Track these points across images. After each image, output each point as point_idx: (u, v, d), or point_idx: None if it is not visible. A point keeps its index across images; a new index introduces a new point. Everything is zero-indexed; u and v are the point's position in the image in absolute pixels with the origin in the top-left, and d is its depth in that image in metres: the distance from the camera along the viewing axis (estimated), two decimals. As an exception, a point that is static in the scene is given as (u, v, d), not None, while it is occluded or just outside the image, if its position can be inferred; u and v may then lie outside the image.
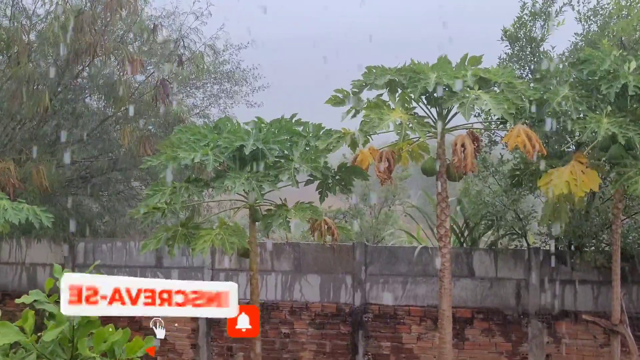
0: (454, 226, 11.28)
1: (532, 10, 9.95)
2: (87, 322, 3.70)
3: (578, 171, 6.74)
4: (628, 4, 9.73)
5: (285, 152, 6.99)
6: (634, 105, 7.19)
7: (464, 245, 11.15)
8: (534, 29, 10.15)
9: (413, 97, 6.97)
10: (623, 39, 9.67)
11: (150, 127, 11.52)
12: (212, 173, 7.22)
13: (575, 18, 10.48)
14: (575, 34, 10.53)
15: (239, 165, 6.91)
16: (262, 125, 7.22)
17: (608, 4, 10.06)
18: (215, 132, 7.04)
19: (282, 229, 6.49)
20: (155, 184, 7.02)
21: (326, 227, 7.25)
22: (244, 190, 6.82)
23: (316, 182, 7.45)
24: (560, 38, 10.91)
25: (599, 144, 6.99)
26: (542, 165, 7.07)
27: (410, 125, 6.53)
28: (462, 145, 6.77)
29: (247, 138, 6.77)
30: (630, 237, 9.33)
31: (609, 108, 7.05)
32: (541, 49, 10.30)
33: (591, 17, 10.24)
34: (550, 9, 9.97)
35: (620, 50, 7.74)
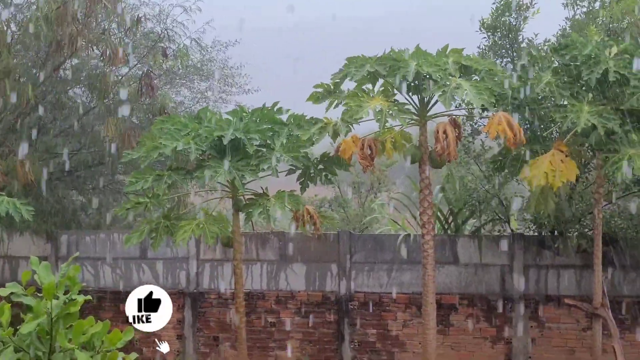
0: (438, 213, 11.35)
1: (505, 3, 9.99)
2: (65, 315, 3.70)
3: (557, 161, 6.79)
4: None
5: (267, 141, 6.98)
6: (616, 91, 7.24)
7: (448, 232, 11.22)
8: (510, 18, 10.21)
9: (394, 85, 6.97)
10: (611, 26, 9.75)
11: (134, 120, 11.47)
12: (194, 163, 7.21)
13: (562, 4, 10.54)
14: (565, 18, 10.58)
15: (220, 155, 6.89)
16: (244, 114, 7.20)
17: None
18: (196, 122, 7.02)
19: (263, 218, 6.49)
20: (137, 172, 7.00)
21: (308, 216, 7.27)
22: (226, 180, 6.83)
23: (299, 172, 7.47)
24: (544, 26, 10.96)
25: (581, 130, 7.04)
26: (524, 150, 7.14)
27: (391, 112, 6.54)
28: (444, 133, 6.81)
29: (227, 127, 6.76)
30: (612, 222, 9.44)
31: (590, 95, 7.10)
32: (520, 38, 10.36)
33: (578, 2, 10.29)
34: (521, 1, 10.02)
35: (602, 36, 7.79)
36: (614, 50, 6.86)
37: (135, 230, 7.18)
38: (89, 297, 3.64)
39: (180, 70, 13.29)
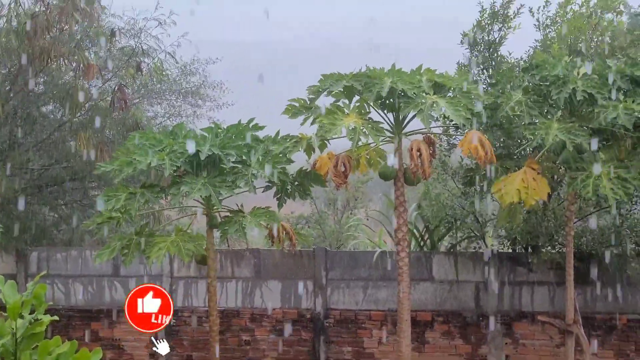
0: (414, 230, 11.39)
1: (491, 12, 10.17)
2: (30, 334, 3.60)
3: (529, 178, 6.87)
4: (587, 13, 10.04)
5: (243, 157, 6.93)
6: (584, 110, 7.38)
7: (424, 248, 11.26)
8: (492, 32, 10.38)
9: (368, 102, 7.01)
10: (580, 45, 9.98)
11: (107, 134, 11.33)
12: (169, 179, 7.13)
13: (534, 25, 10.77)
14: (535, 40, 10.82)
15: (195, 171, 6.83)
16: (219, 130, 7.16)
17: (566, 13, 10.36)
18: (171, 138, 6.95)
19: (238, 235, 6.43)
20: (109, 189, 6.89)
21: (284, 232, 7.23)
22: (201, 196, 6.75)
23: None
24: (521, 43, 11.18)
25: (551, 147, 7.15)
26: (494, 167, 7.22)
27: (364, 130, 6.57)
28: (418, 150, 6.84)
29: (203, 143, 6.71)
30: (584, 238, 9.56)
31: (559, 113, 7.22)
32: (499, 53, 10.54)
33: (549, 25, 10.54)
34: (507, 12, 10.21)
35: (571, 56, 7.94)
36: (582, 70, 7.00)
37: (106, 246, 7.04)
38: (55, 317, 3.55)
39: (157, 86, 13.23)
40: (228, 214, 7.06)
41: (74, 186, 11.97)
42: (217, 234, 7.21)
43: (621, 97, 6.80)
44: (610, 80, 6.92)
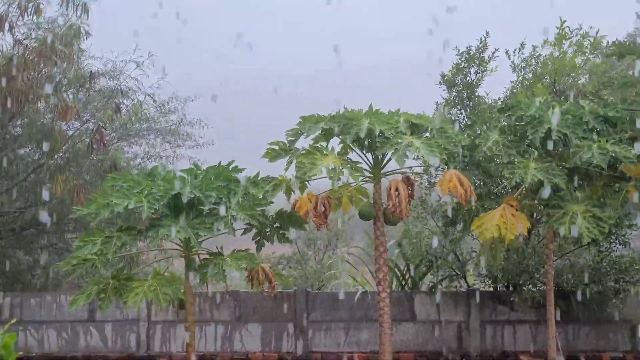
0: (395, 269, 11.34)
1: (468, 55, 10.43)
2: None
3: (508, 214, 6.93)
4: (560, 55, 10.34)
5: (223, 199, 6.88)
6: (560, 150, 7.50)
7: (406, 288, 11.20)
8: (469, 74, 10.63)
9: (347, 143, 7.05)
10: (556, 85, 10.23)
11: (85, 176, 11.22)
12: (147, 222, 7.02)
13: (510, 66, 11.05)
14: (511, 81, 11.10)
15: (174, 213, 6.75)
16: (198, 172, 7.12)
17: (539, 55, 10.67)
18: (149, 179, 6.88)
19: (218, 279, 6.32)
20: (86, 233, 6.76)
21: (263, 275, 7.13)
22: (179, 238, 6.66)
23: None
24: (499, 84, 11.47)
25: (529, 186, 7.23)
26: (475, 205, 7.27)
27: (343, 170, 6.58)
28: (396, 190, 6.87)
29: (184, 185, 6.65)
30: (565, 276, 9.59)
31: (536, 153, 7.33)
32: (477, 94, 10.76)
33: (525, 67, 10.84)
34: (483, 55, 10.48)
35: (546, 97, 8.12)
36: (557, 110, 7.14)
37: (82, 291, 6.86)
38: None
39: (136, 125, 13.20)
40: (207, 256, 6.95)
41: (50, 229, 11.76)
42: (196, 276, 7.09)
43: (595, 137, 6.93)
44: (585, 121, 7.07)
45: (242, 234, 7.12)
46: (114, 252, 6.46)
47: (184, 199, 6.40)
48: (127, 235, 6.63)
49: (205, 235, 6.44)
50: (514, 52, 10.79)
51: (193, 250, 6.92)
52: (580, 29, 10.36)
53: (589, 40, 10.29)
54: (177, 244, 7.00)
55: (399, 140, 6.79)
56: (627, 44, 7.44)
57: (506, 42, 11.21)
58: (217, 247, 6.83)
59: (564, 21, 10.21)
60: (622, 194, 6.88)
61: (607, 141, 6.79)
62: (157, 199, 6.44)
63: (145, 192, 6.60)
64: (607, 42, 10.00)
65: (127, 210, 6.55)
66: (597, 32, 10.32)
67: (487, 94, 10.80)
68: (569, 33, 10.30)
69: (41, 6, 10.79)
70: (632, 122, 7.09)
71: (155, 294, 6.36)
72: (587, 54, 10.36)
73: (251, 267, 6.68)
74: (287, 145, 7.39)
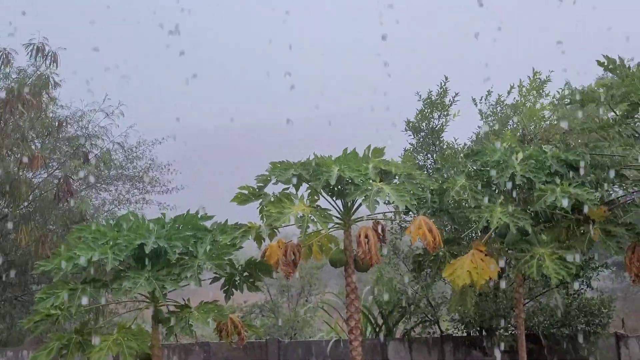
0: (369, 316, 11.24)
1: (430, 101, 10.66)
2: None
3: (478, 260, 6.97)
4: (524, 102, 10.66)
5: (190, 248, 6.79)
6: (525, 194, 7.63)
7: (380, 335, 11.08)
8: (433, 120, 10.84)
9: (317, 189, 7.07)
10: (522, 130, 10.48)
11: (51, 227, 10.99)
12: (112, 273, 6.87)
13: (478, 112, 11.32)
14: (478, 127, 11.35)
15: (140, 264, 6.62)
16: (166, 221, 7.03)
17: (505, 101, 10.97)
18: (115, 230, 6.76)
19: (184, 333, 6.16)
20: (49, 286, 6.57)
21: (232, 326, 6.99)
22: (147, 290, 6.52)
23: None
24: (465, 129, 11.72)
25: (496, 230, 7.30)
26: (443, 251, 7.31)
27: (312, 218, 6.57)
28: (366, 237, 6.87)
29: (149, 235, 6.55)
30: (536, 319, 9.62)
31: (502, 197, 7.44)
32: (442, 139, 10.96)
33: (490, 115, 11.11)
34: (444, 100, 10.73)
35: (512, 144, 8.31)
36: (520, 155, 7.29)
37: (44, 347, 6.62)
38: None
39: (104, 172, 13.06)
40: (174, 307, 6.80)
41: (14, 281, 11.42)
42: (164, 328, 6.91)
43: (558, 181, 7.07)
44: (547, 165, 7.22)
45: (210, 283, 7.00)
46: (77, 306, 6.28)
47: (147, 250, 6.30)
48: (92, 288, 6.47)
49: (171, 287, 6.32)
50: (480, 99, 11.08)
51: (160, 302, 6.77)
52: (548, 78, 10.69)
53: (557, 91, 10.64)
54: (145, 295, 6.85)
55: (369, 187, 6.84)
56: (589, 91, 7.70)
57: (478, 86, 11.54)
58: (184, 299, 6.70)
59: (537, 72, 10.52)
60: (587, 236, 6.99)
61: (569, 184, 6.93)
62: (122, 249, 6.32)
63: (111, 243, 6.48)
64: (576, 89, 10.35)
65: (90, 263, 6.41)
66: (565, 84, 10.69)
67: (456, 140, 11.01)
68: (536, 82, 10.63)
69: (10, 56, 10.79)
70: (593, 165, 7.28)
71: (120, 348, 6.17)
72: (553, 103, 10.69)
73: (219, 320, 6.54)
74: (257, 190, 7.38)
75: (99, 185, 13.07)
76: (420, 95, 10.77)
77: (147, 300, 6.93)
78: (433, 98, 10.68)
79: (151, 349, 6.72)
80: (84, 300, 6.36)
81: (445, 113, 10.74)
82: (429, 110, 10.77)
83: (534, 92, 10.64)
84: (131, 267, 6.57)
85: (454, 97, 10.77)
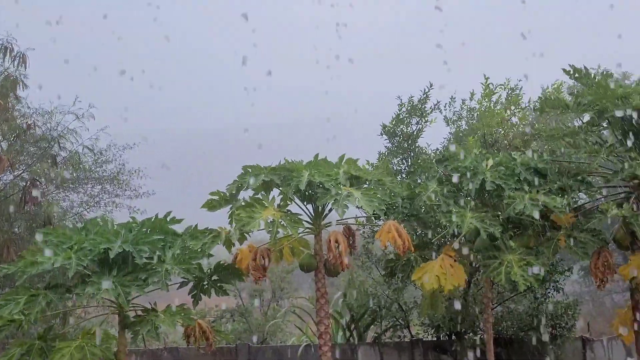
0: (341, 320, 11.23)
1: (410, 107, 10.72)
2: None
3: (447, 265, 7.02)
4: (490, 106, 10.77)
5: (158, 253, 6.69)
6: (495, 200, 7.70)
7: (351, 339, 11.08)
8: (410, 125, 10.90)
9: (287, 194, 7.05)
10: (485, 137, 10.59)
11: (17, 231, 10.74)
12: (77, 278, 6.73)
13: (444, 119, 11.41)
14: (449, 133, 11.44)
15: (106, 269, 6.50)
16: (134, 225, 6.93)
17: (471, 108, 11.08)
18: (82, 234, 6.63)
19: (151, 337, 6.07)
20: (10, 292, 6.42)
21: (200, 331, 6.90)
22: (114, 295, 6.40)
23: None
24: (439, 135, 11.82)
25: (466, 236, 7.36)
26: (414, 255, 7.34)
27: (283, 222, 6.55)
28: (336, 242, 6.86)
29: (115, 239, 6.44)
30: (505, 323, 9.72)
31: (472, 203, 7.50)
32: (417, 144, 11.03)
33: (456, 121, 11.22)
34: (424, 107, 10.80)
35: (481, 150, 8.39)
36: (490, 162, 7.37)
37: (4, 354, 6.45)
38: None
39: (74, 174, 12.82)
40: (141, 312, 6.69)
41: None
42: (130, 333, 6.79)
43: (526, 188, 7.16)
44: (517, 172, 7.31)
45: (178, 288, 6.91)
46: (39, 312, 6.14)
47: (112, 254, 6.18)
48: (54, 293, 6.33)
49: (137, 292, 6.22)
50: (445, 106, 11.18)
51: (125, 307, 6.65)
52: (508, 84, 10.84)
53: (518, 94, 10.78)
54: (112, 300, 6.73)
55: (339, 192, 6.83)
56: (551, 99, 7.82)
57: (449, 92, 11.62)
58: (150, 304, 6.60)
59: (488, 78, 10.66)
60: (554, 242, 7.09)
61: (537, 192, 7.02)
62: (87, 254, 6.20)
63: (76, 247, 6.36)
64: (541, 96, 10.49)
65: (54, 268, 6.27)
66: (520, 88, 10.83)
67: (429, 145, 11.08)
68: (497, 88, 10.75)
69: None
70: (560, 173, 7.39)
71: (83, 354, 6.04)
72: (513, 109, 10.82)
73: (186, 324, 6.46)
74: (228, 195, 7.33)
75: (66, 186, 12.80)
76: (401, 100, 10.82)
77: (114, 305, 6.82)
78: (414, 103, 10.74)
79: (117, 354, 6.61)
80: (44, 306, 6.22)
81: (423, 119, 10.81)
82: (407, 116, 10.82)
83: (497, 99, 10.76)
84: (95, 272, 6.44)
85: (436, 104, 10.85)
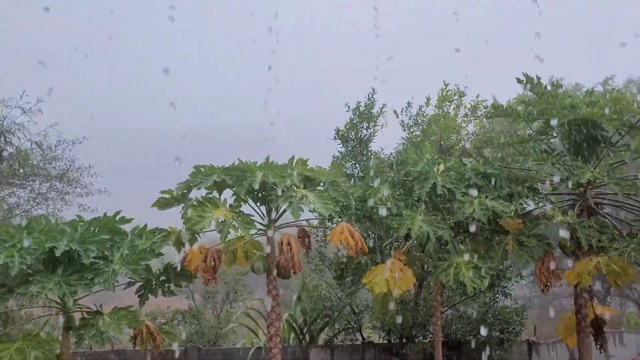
0: (294, 323, 11.20)
1: (359, 112, 10.80)
2: None
3: (397, 269, 7.07)
4: (443, 113, 10.94)
5: (106, 252, 6.53)
6: (446, 204, 7.82)
7: (303, 342, 11.06)
8: (362, 130, 10.98)
9: (240, 195, 6.99)
10: (441, 142, 10.75)
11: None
12: (20, 277, 6.50)
13: (400, 123, 11.53)
14: (402, 137, 11.56)
15: (51, 268, 6.30)
16: (81, 223, 6.74)
17: (426, 114, 11.23)
18: (25, 232, 6.42)
19: (95, 341, 5.90)
20: (-53, 292, 6.15)
21: (148, 333, 6.77)
22: (57, 295, 6.21)
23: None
24: (393, 139, 11.93)
25: (417, 239, 7.43)
26: (364, 259, 7.38)
27: (234, 223, 6.48)
28: (288, 244, 6.83)
29: (61, 238, 6.25)
30: (454, 327, 9.87)
31: (423, 206, 7.59)
32: (370, 149, 11.10)
33: (412, 126, 11.35)
34: (372, 111, 10.89)
35: (434, 155, 8.51)
36: (442, 167, 7.48)
37: (-61, 356, 6.18)
38: None
39: (21, 170, 12.39)
40: (86, 314, 6.52)
41: None
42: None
43: (476, 193, 7.29)
44: (466, 177, 7.44)
45: (124, 288, 6.76)
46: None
47: (58, 253, 6.00)
48: (-5, 293, 6.10)
49: (83, 292, 6.05)
50: (401, 110, 11.31)
51: (69, 308, 6.46)
52: (462, 92, 11.03)
53: (471, 102, 10.99)
54: (57, 301, 6.52)
55: (293, 194, 6.81)
56: (502, 107, 7.98)
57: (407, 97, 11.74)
58: (95, 305, 6.43)
59: (447, 84, 10.85)
60: (502, 246, 7.24)
61: (486, 197, 7.15)
62: (31, 252, 6.00)
63: (19, 246, 6.15)
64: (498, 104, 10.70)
65: (-4, 266, 6.05)
66: (477, 96, 11.06)
67: (382, 150, 11.18)
68: (453, 95, 10.95)
69: None
70: (509, 179, 7.55)
71: (23, 357, 5.84)
72: (469, 116, 11.04)
73: (134, 326, 6.32)
74: (180, 194, 7.21)
75: (13, 185, 12.36)
76: (349, 106, 10.89)
77: (59, 306, 6.62)
78: (361, 109, 10.82)
79: (60, 356, 6.41)
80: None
81: (373, 124, 10.90)
82: (358, 121, 10.90)
83: (448, 103, 10.95)
84: (39, 271, 6.24)
85: (382, 108, 10.95)
